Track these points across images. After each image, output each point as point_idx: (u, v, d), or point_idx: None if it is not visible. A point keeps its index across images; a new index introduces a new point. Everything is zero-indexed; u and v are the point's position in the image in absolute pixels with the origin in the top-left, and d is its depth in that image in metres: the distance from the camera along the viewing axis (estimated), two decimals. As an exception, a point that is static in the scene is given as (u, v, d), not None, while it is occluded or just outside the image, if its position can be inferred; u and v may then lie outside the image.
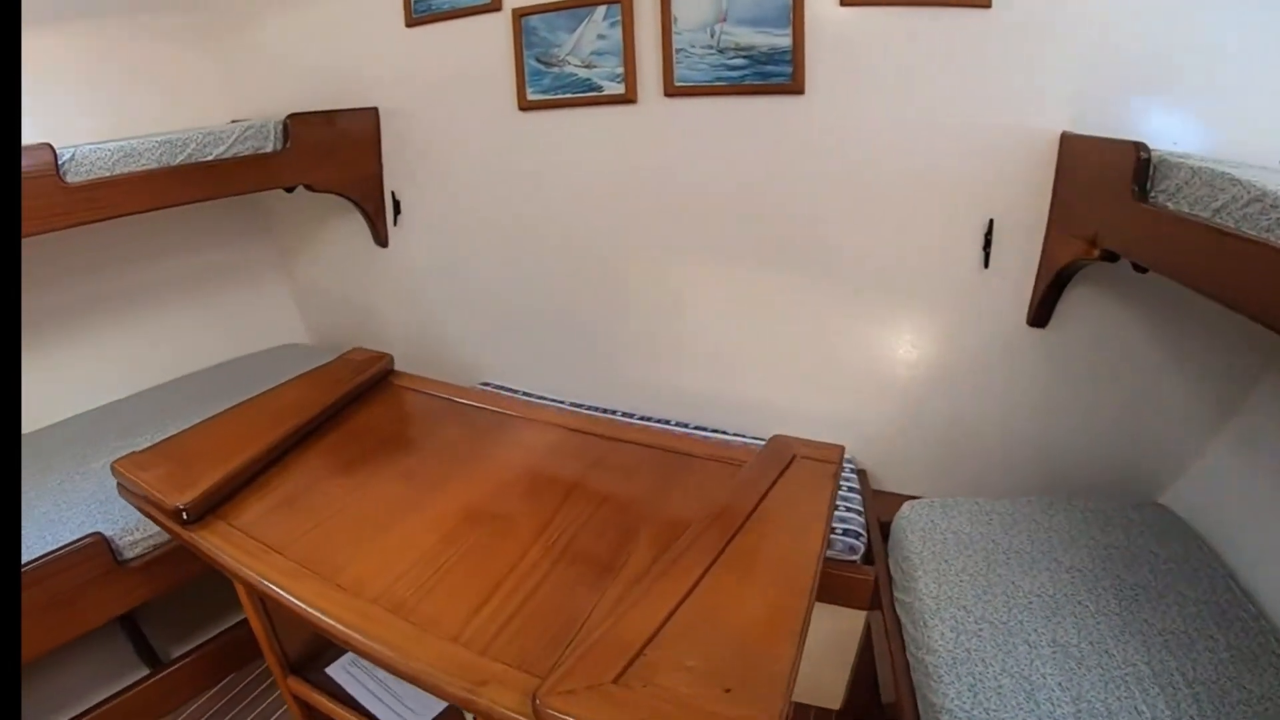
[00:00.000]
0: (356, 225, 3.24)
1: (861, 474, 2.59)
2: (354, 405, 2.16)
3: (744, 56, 2.31)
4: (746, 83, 2.34)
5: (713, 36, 2.33)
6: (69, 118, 2.83)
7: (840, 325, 2.53)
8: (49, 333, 2.90)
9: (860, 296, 2.47)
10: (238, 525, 1.61)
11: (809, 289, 2.53)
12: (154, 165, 2.42)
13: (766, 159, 2.42)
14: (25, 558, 1.96)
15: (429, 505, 1.66)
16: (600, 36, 2.45)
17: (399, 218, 3.17)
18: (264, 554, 1.51)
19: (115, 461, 1.79)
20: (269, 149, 2.71)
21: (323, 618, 1.33)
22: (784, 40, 2.24)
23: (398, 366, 2.42)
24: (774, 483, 1.63)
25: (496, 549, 1.50)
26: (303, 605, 1.36)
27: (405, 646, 1.25)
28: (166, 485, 1.64)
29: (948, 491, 2.33)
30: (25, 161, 2.14)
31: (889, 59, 2.18)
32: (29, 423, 2.78)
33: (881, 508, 2.40)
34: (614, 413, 2.87)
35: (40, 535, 2.08)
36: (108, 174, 2.33)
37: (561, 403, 2.92)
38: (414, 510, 1.64)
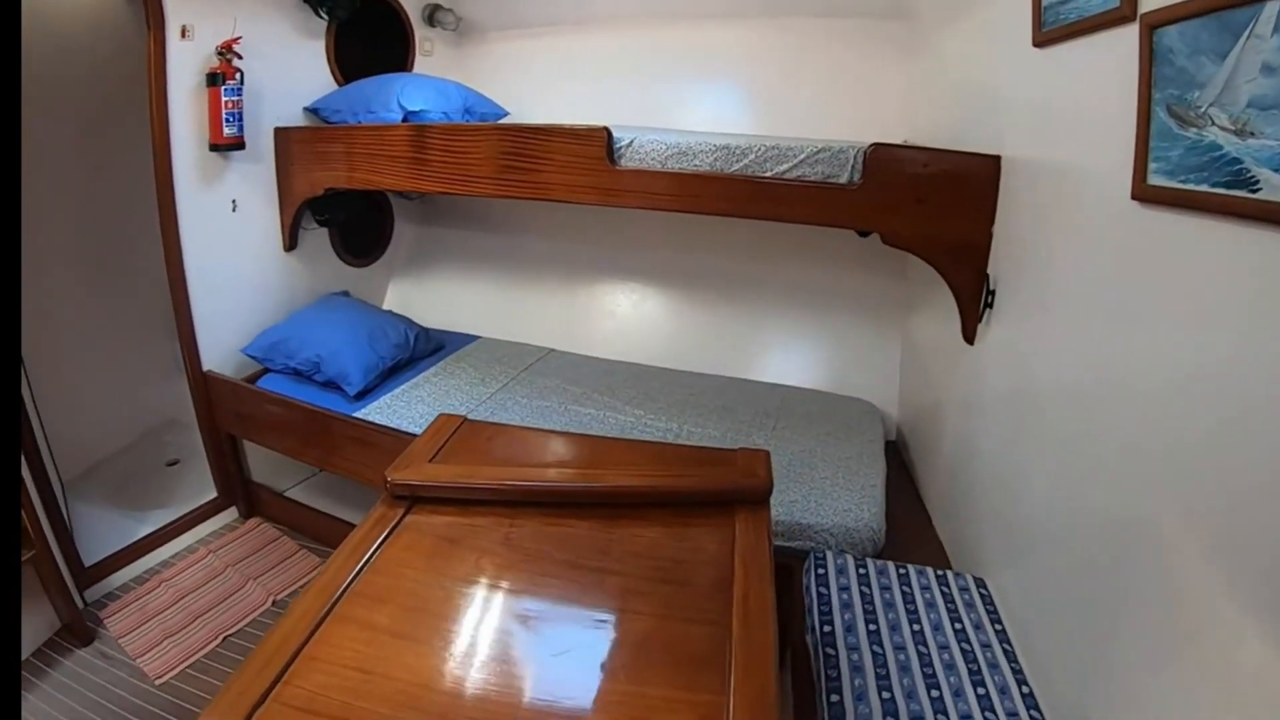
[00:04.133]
0: (947, 304, 2.31)
1: None
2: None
3: None
4: None
5: None
6: (726, 106, 3.06)
7: None
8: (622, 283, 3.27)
9: None
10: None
11: None
12: (705, 168, 2.27)
13: None
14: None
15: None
16: (1270, 70, 1.01)
17: (989, 313, 2.12)
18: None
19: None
20: (842, 179, 2.17)
21: None
22: None
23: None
24: None
25: None
26: None
27: None
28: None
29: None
30: (580, 139, 2.41)
31: None
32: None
33: None
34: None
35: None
36: (658, 167, 2.33)
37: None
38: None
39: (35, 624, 2.60)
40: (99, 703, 2.41)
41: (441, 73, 3.56)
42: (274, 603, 2.85)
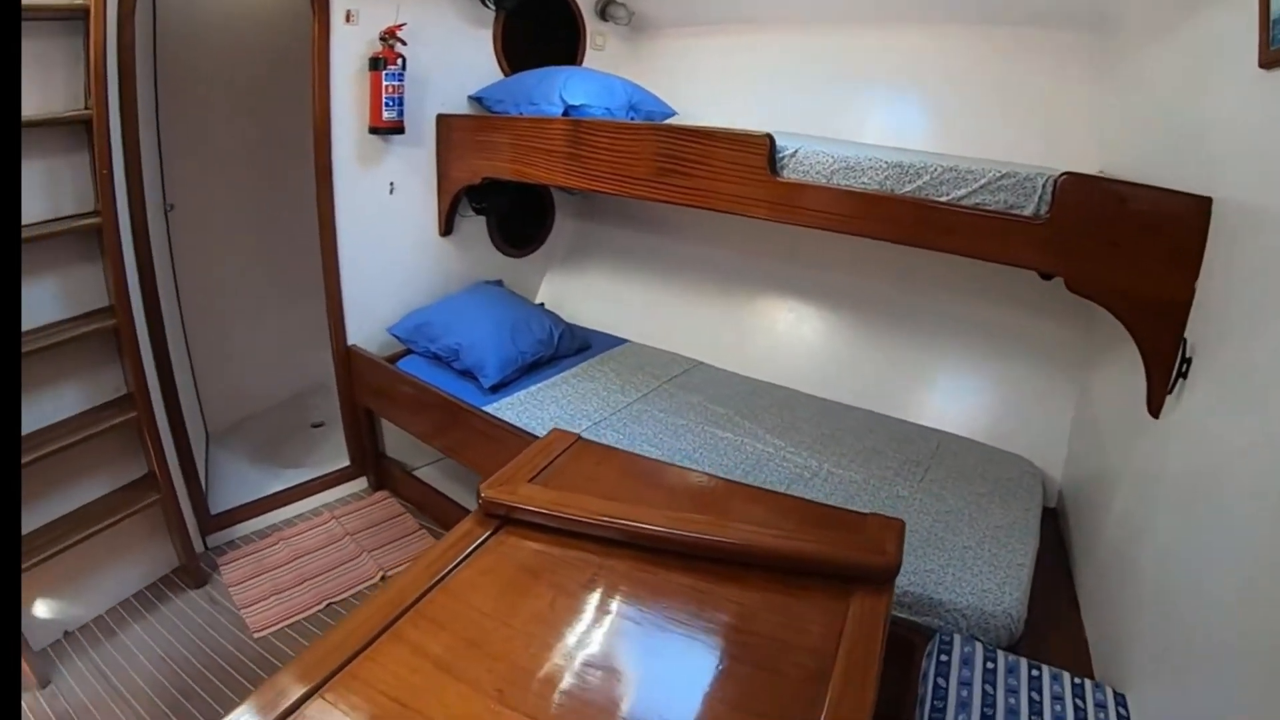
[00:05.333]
0: (1132, 365, 1.94)
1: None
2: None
3: None
4: None
5: None
6: (900, 117, 2.82)
7: None
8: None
9: None
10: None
11: None
12: (874, 187, 2.03)
13: None
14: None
15: None
16: None
17: (1181, 384, 1.74)
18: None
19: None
20: (1026, 211, 1.86)
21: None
22: None
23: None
24: None
25: None
26: None
27: None
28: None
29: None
30: (741, 145, 2.24)
31: None
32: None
33: None
34: None
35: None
36: (822, 181, 2.12)
37: None
38: None
39: (154, 560, 2.74)
40: (195, 643, 2.50)
41: (612, 68, 3.49)
42: (383, 578, 2.85)
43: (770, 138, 2.18)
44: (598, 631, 1.22)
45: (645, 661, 1.18)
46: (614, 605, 1.28)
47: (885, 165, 2.02)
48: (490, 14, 3.30)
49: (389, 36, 2.85)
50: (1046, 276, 2.18)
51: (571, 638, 1.20)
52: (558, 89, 2.92)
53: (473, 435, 2.74)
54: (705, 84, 3.54)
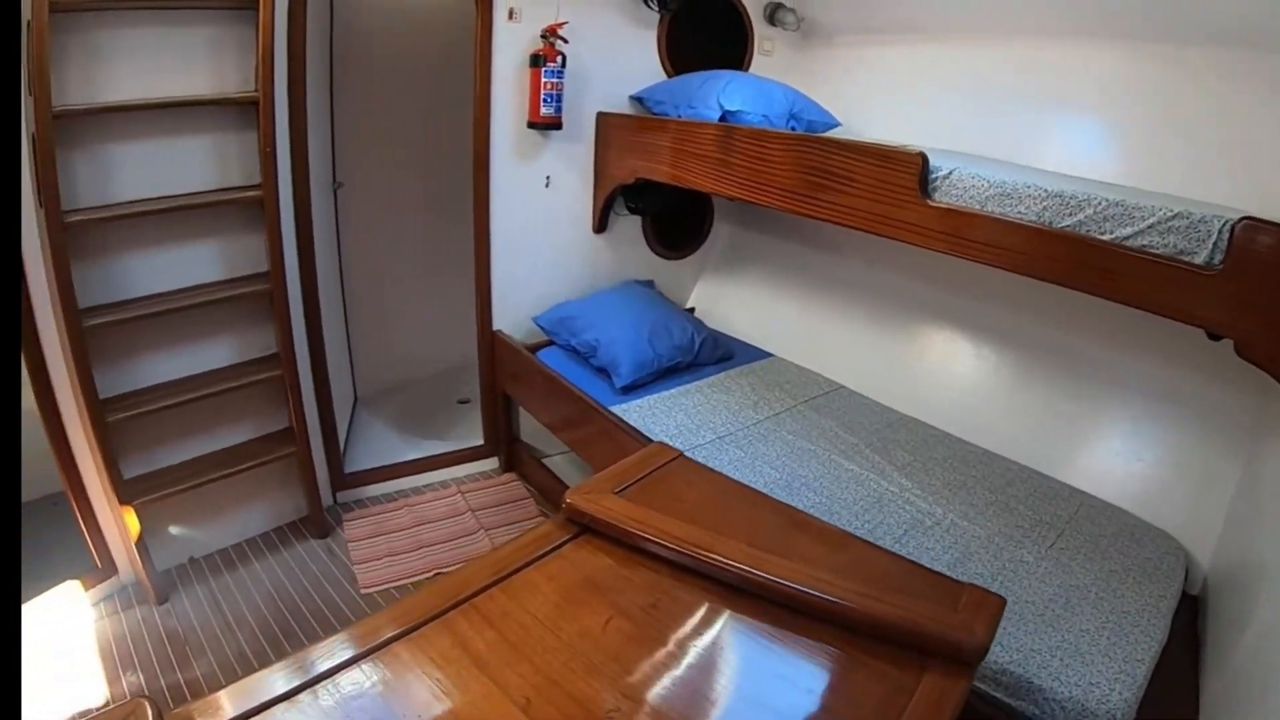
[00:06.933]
0: None
1: None
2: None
3: None
4: None
5: None
6: (1074, 137, 2.58)
7: None
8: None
9: None
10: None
11: None
12: (1030, 217, 1.84)
13: None
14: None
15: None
16: None
17: None
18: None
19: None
20: (1197, 259, 1.61)
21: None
22: None
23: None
24: None
25: None
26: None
27: None
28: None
29: None
30: (890, 162, 2.10)
31: None
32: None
33: None
34: None
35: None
36: (975, 208, 1.94)
37: None
38: None
39: (283, 506, 2.97)
40: (305, 588, 2.67)
41: (780, 75, 3.40)
42: None
43: (923, 156, 2.03)
44: (642, 661, 1.17)
45: (678, 702, 1.11)
46: (667, 636, 1.22)
47: (1044, 194, 1.82)
48: (654, 16, 3.30)
49: (550, 34, 2.90)
50: (1215, 336, 1.88)
51: (614, 662, 1.15)
52: (716, 93, 2.87)
53: (596, 433, 2.75)
54: (874, 95, 3.37)
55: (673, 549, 1.38)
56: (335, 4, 3.32)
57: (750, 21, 3.59)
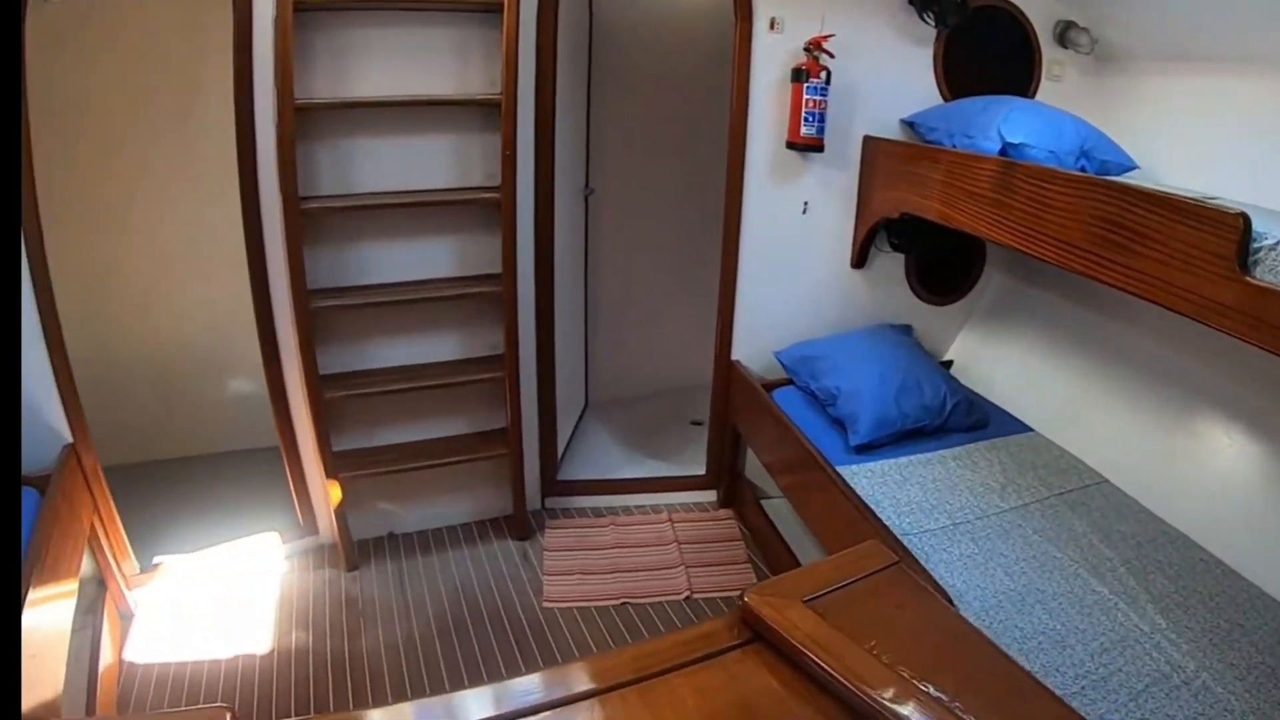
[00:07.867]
0: None
1: None
2: None
3: None
4: None
5: None
6: None
7: None
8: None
9: None
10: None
11: None
12: None
13: None
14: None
15: None
16: None
17: None
18: None
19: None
20: None
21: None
22: None
23: None
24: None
25: None
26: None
27: None
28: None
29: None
30: (1201, 222, 1.59)
31: None
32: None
33: None
34: None
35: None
36: None
37: None
38: None
39: (489, 502, 3.05)
40: (490, 587, 2.69)
41: (1070, 104, 2.82)
42: (687, 598, 2.74)
43: (1245, 218, 1.53)
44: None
45: None
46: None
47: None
48: (931, 32, 2.91)
49: (814, 47, 2.67)
50: None
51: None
52: (996, 123, 2.45)
53: (816, 491, 2.50)
54: (1183, 135, 2.71)
55: (849, 688, 1.10)
56: (595, 14, 3.32)
57: (1038, 41, 3.04)
